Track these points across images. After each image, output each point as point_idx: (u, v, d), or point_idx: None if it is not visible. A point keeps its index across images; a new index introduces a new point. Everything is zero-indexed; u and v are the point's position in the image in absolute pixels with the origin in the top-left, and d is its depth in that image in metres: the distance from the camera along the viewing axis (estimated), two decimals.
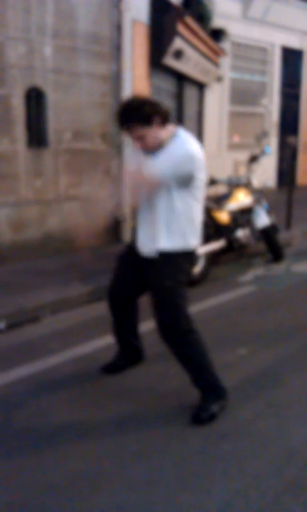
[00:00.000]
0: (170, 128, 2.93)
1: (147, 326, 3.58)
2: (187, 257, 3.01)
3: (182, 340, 3.01)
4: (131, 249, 3.20)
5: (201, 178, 2.91)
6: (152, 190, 2.89)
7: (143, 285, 3.15)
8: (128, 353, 3.53)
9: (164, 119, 2.87)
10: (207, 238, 5.40)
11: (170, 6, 7.30)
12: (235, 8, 10.48)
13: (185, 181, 2.85)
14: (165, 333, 3.01)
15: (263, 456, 2.67)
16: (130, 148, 3.23)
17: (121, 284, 3.30)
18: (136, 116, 2.82)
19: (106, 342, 3.96)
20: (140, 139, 2.87)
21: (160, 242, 2.95)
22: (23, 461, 2.65)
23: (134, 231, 3.19)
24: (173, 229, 2.93)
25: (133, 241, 3.22)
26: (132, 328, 3.45)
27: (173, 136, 2.90)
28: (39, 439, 2.82)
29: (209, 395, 3.03)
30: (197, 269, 5.41)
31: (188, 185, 2.87)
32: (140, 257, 3.09)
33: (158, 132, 2.86)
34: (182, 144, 2.86)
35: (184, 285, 3.02)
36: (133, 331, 3.47)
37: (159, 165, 2.84)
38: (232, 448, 2.73)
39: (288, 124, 12.47)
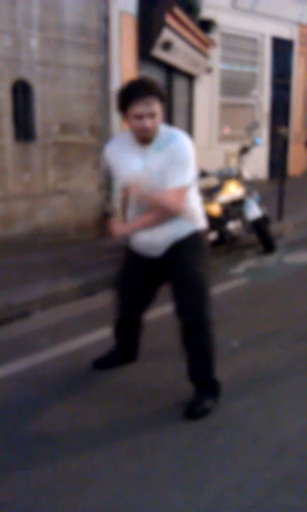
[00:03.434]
0: None
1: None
2: (202, 238, 2.98)
3: (206, 331, 2.95)
4: (133, 257, 3.09)
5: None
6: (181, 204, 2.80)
7: (153, 292, 3.14)
8: (124, 348, 3.46)
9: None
10: None
11: None
12: None
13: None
14: (192, 322, 2.92)
15: (256, 449, 2.65)
16: (112, 143, 3.04)
17: (132, 297, 3.23)
18: (157, 90, 2.68)
19: (97, 337, 3.92)
20: (152, 117, 2.66)
21: (178, 230, 2.88)
22: (12, 459, 2.60)
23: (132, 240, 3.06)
24: (181, 218, 2.86)
25: (131, 251, 3.11)
26: (136, 331, 3.39)
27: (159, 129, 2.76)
28: (29, 437, 2.78)
29: (205, 390, 3.00)
30: None
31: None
32: (147, 261, 3.01)
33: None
34: (179, 139, 2.72)
35: (210, 269, 2.99)
36: (136, 333, 3.41)
37: (172, 173, 2.71)
38: (224, 442, 2.71)
39: (279, 115, 12.42)
